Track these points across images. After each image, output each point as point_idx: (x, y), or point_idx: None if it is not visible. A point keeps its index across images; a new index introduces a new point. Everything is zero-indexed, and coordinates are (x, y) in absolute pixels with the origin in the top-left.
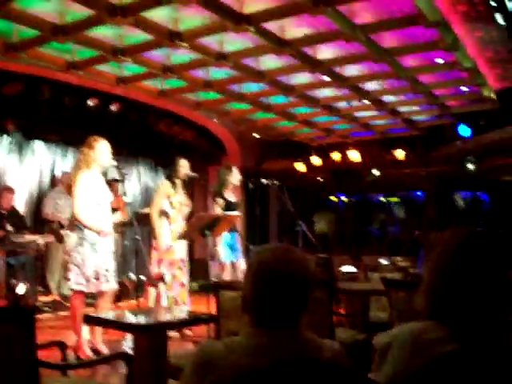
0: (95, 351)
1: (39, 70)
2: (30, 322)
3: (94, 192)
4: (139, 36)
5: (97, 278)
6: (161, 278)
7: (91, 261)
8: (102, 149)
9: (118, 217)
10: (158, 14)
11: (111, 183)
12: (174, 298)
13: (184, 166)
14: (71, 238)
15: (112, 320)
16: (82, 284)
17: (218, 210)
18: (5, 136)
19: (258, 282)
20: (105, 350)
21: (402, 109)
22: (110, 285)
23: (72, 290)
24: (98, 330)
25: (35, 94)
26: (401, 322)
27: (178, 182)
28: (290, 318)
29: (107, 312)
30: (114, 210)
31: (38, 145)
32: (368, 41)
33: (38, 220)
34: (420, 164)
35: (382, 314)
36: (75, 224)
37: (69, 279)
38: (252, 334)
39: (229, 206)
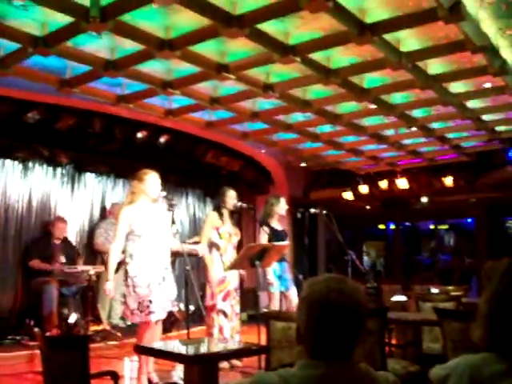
0: (147, 380)
1: (91, 104)
2: (84, 350)
3: (138, 224)
4: (187, 69)
5: (141, 310)
6: (216, 311)
7: (134, 294)
8: (151, 181)
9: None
10: (205, 47)
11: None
12: (233, 328)
13: (231, 197)
14: (120, 270)
15: (163, 350)
16: (127, 316)
17: (264, 239)
18: (58, 168)
19: (312, 313)
20: (155, 379)
21: (451, 135)
22: (154, 316)
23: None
24: (151, 359)
25: (87, 127)
26: (455, 354)
27: (226, 212)
28: (345, 349)
29: (157, 342)
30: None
31: (89, 176)
32: (414, 68)
33: (89, 251)
34: (469, 190)
35: (435, 345)
36: (122, 259)
37: (122, 311)
38: (307, 365)
39: (276, 235)
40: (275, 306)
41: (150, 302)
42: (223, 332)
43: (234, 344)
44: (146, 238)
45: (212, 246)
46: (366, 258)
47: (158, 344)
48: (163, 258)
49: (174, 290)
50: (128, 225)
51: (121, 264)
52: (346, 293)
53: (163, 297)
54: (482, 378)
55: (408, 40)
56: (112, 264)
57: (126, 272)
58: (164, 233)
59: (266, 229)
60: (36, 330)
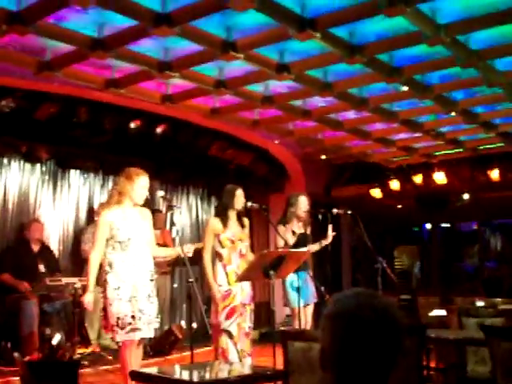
0: None
1: (75, 89)
2: (73, 377)
3: (121, 230)
4: (188, 48)
5: (121, 327)
6: (221, 330)
7: (114, 307)
8: (141, 184)
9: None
10: (209, 22)
11: (155, 216)
12: (242, 350)
13: (239, 196)
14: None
15: (162, 376)
16: (108, 331)
17: (280, 245)
18: (37, 165)
19: (340, 333)
20: None
21: (497, 120)
22: (139, 334)
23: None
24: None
25: (71, 117)
26: (507, 380)
27: (233, 214)
28: (379, 377)
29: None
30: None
31: (74, 174)
32: (454, 42)
33: (75, 260)
34: None
35: (482, 369)
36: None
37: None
38: None
39: (296, 240)
40: (295, 323)
41: (133, 317)
42: (227, 355)
43: (245, 369)
44: (128, 245)
45: (215, 256)
46: (397, 266)
47: (156, 369)
48: (148, 268)
49: (156, 306)
50: (109, 229)
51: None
52: (379, 309)
53: (151, 312)
54: None
55: (446, 10)
56: (92, 274)
57: (105, 282)
58: (147, 240)
59: (282, 232)
60: (16, 354)
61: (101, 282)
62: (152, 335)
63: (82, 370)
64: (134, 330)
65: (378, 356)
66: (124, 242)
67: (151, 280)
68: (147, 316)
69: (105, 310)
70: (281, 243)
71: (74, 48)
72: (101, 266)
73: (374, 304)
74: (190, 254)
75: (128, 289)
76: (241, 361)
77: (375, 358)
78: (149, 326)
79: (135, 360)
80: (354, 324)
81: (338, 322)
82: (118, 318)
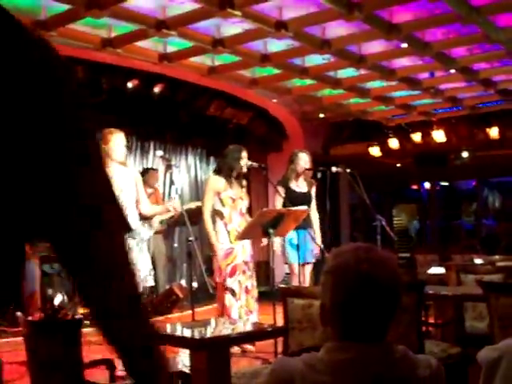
0: None
1: (71, 49)
2: (75, 338)
3: None
4: (184, 6)
5: None
6: (223, 288)
7: None
8: (117, 142)
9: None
10: None
11: (148, 174)
12: (242, 307)
13: (244, 158)
14: None
15: (165, 334)
16: None
17: (279, 202)
18: None
19: (339, 288)
20: None
21: (496, 78)
22: None
23: None
24: None
25: None
26: (504, 334)
27: (234, 174)
28: (378, 329)
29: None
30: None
31: None
32: None
33: None
34: None
35: (480, 324)
36: None
37: None
38: (335, 348)
39: (294, 198)
40: (294, 280)
41: None
42: (230, 312)
43: (246, 326)
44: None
45: (216, 214)
46: (396, 224)
47: (160, 327)
48: (136, 227)
49: (149, 263)
50: None
51: None
52: (378, 263)
53: (144, 268)
54: None
55: None
56: None
57: None
58: (134, 199)
59: (281, 191)
60: (18, 314)
61: None
62: (152, 283)
63: (83, 330)
64: None
65: (377, 309)
66: None
67: (142, 239)
68: (142, 272)
69: None
70: (280, 203)
71: (70, 7)
72: None
73: (373, 258)
74: (179, 209)
75: None
76: (241, 318)
77: (375, 311)
78: (143, 282)
79: None
80: (353, 278)
81: (337, 277)
82: None
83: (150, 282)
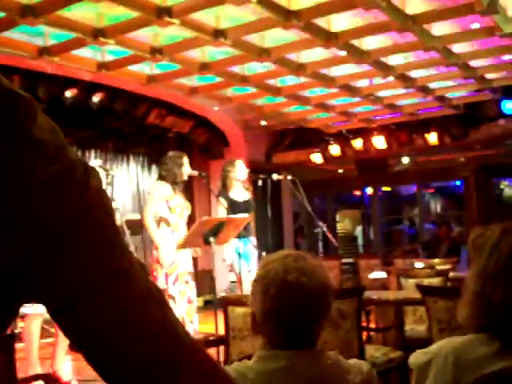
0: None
1: (7, 58)
2: (10, 352)
3: None
4: (122, 14)
5: None
6: (168, 295)
7: None
8: None
9: None
10: None
11: None
12: (181, 316)
13: (186, 165)
14: None
15: None
16: (25, 306)
17: (221, 212)
18: None
19: (268, 297)
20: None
21: (434, 84)
22: None
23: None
24: (59, 354)
25: None
26: (442, 336)
27: (179, 181)
28: (308, 336)
29: None
30: None
31: None
32: (390, 7)
33: None
34: (457, 148)
35: (421, 327)
36: None
37: None
38: (265, 357)
39: (235, 206)
40: (242, 289)
41: None
42: None
43: None
44: None
45: (161, 221)
46: (339, 230)
47: None
48: None
49: None
50: None
51: None
52: (306, 272)
53: None
54: (468, 362)
55: None
56: None
57: None
58: None
59: (222, 201)
60: None
61: None
62: None
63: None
64: None
65: (305, 317)
66: None
67: None
68: None
69: None
70: (222, 212)
71: (4, 14)
72: None
73: (302, 266)
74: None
75: None
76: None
77: (303, 319)
78: None
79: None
80: (281, 287)
81: (266, 286)
82: None
83: None
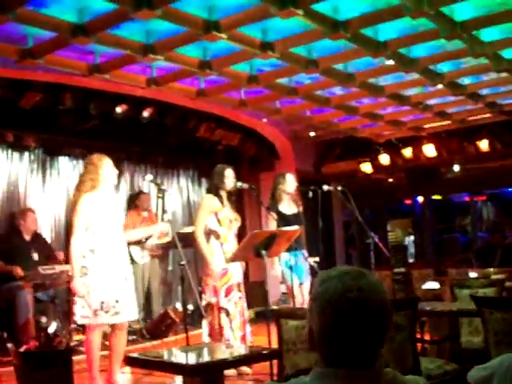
0: None
1: (59, 76)
2: (67, 366)
3: (100, 214)
4: (170, 29)
5: (106, 311)
6: (218, 308)
7: (97, 291)
8: (109, 165)
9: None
10: (190, 3)
11: (140, 198)
12: (236, 329)
13: (229, 176)
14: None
15: (158, 361)
16: (87, 317)
17: (272, 226)
18: (26, 153)
19: (327, 315)
20: None
21: (484, 91)
22: (121, 317)
23: (78, 325)
24: (115, 368)
25: (56, 104)
26: (499, 349)
27: (224, 194)
28: (367, 356)
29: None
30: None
31: (63, 161)
32: (438, 14)
33: (68, 247)
34: (509, 154)
35: (476, 339)
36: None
37: (73, 314)
38: (322, 374)
39: (285, 219)
40: (294, 301)
41: (117, 301)
42: (223, 333)
43: (240, 349)
44: (108, 229)
45: (210, 233)
46: (391, 240)
47: (152, 353)
48: (125, 251)
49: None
50: (89, 215)
51: None
52: (366, 290)
53: (130, 296)
54: None
55: None
56: (76, 260)
57: (85, 268)
58: (121, 223)
59: (273, 214)
60: (9, 345)
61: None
62: (136, 317)
63: (78, 357)
64: (117, 313)
65: (365, 336)
66: (104, 226)
67: (129, 264)
68: (126, 299)
69: (82, 296)
70: (273, 226)
71: (55, 34)
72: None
73: (361, 285)
74: (169, 233)
75: (111, 272)
76: (235, 339)
77: (363, 337)
78: (128, 309)
79: (121, 343)
80: (341, 306)
81: (324, 304)
82: (102, 302)
83: (134, 315)
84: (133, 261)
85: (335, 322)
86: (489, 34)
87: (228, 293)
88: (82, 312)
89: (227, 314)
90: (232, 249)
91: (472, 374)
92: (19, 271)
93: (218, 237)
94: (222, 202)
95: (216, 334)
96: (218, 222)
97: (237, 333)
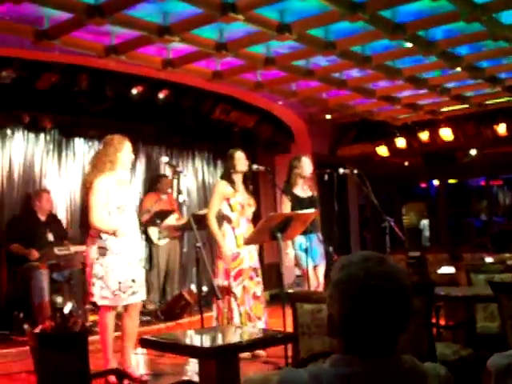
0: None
1: (75, 57)
2: (83, 347)
3: (114, 196)
4: (186, 11)
5: (123, 291)
6: (229, 292)
7: (115, 272)
8: (128, 149)
9: (172, 220)
10: None
11: (161, 181)
12: (247, 313)
13: (240, 158)
14: (92, 249)
15: (173, 343)
16: (107, 298)
17: (287, 208)
18: (41, 134)
19: (348, 302)
20: (136, 374)
21: (503, 75)
22: (137, 297)
23: (96, 306)
24: (128, 350)
25: (72, 85)
26: None
27: (238, 178)
28: (388, 343)
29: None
30: (168, 212)
31: (78, 142)
32: None
33: (83, 228)
34: None
35: (492, 324)
36: (94, 234)
37: (92, 294)
38: (341, 361)
39: (300, 202)
40: (309, 284)
41: (133, 281)
42: (232, 317)
43: (255, 332)
44: (125, 209)
45: (223, 218)
46: (406, 223)
47: (167, 336)
48: (138, 232)
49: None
50: (106, 195)
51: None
52: (388, 277)
53: (143, 276)
54: None
55: None
56: (105, 225)
57: (103, 249)
58: (135, 204)
59: (288, 197)
60: (25, 325)
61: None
62: (145, 297)
63: (93, 337)
64: (134, 292)
65: (386, 322)
66: (121, 206)
67: (139, 243)
68: (141, 279)
69: (101, 277)
70: (287, 208)
71: (71, 15)
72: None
73: (384, 271)
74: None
75: (127, 253)
76: (242, 323)
77: (384, 324)
78: (143, 288)
79: (134, 324)
80: (363, 293)
81: (346, 290)
82: (120, 283)
83: (142, 296)
84: (151, 242)
85: (357, 310)
86: (509, 17)
87: (237, 276)
88: (102, 293)
89: (235, 297)
90: (244, 233)
91: (493, 361)
92: (36, 254)
93: (229, 221)
94: (234, 188)
95: (222, 318)
96: (229, 208)
97: (246, 316)
